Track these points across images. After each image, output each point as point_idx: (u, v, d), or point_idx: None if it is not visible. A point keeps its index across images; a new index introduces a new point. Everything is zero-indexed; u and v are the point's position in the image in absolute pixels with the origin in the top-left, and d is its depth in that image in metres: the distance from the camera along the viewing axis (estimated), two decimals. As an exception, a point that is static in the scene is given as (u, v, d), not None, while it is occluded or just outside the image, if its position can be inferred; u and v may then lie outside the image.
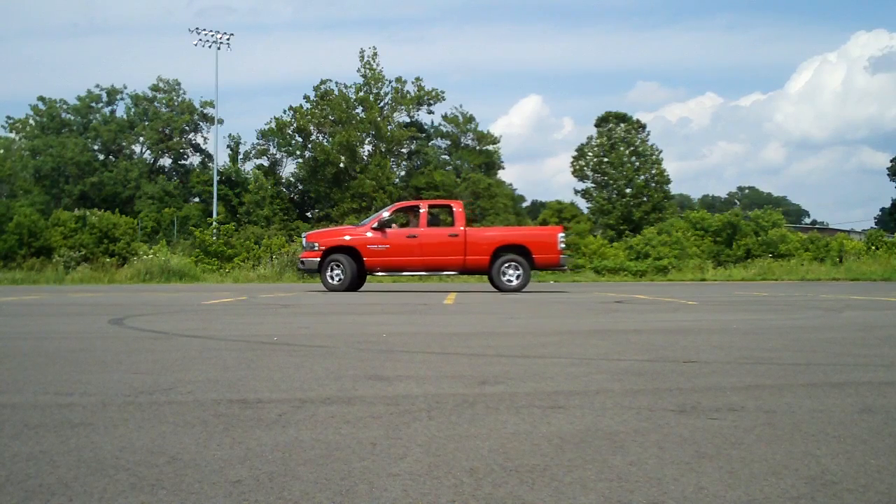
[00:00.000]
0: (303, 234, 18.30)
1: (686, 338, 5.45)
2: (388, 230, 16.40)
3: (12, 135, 52.60)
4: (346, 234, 16.85)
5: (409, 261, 16.29)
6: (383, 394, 3.12)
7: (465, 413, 2.73)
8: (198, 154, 55.35)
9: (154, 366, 4.01)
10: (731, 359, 4.25)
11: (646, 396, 3.05)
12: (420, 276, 29.74)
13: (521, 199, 68.41)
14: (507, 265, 15.89)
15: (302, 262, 16.90)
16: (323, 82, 49.05)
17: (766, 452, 2.18)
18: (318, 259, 16.38)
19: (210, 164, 51.02)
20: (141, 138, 53.54)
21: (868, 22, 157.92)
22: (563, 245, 16.00)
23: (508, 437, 2.37)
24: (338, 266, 16.28)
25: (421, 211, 16.57)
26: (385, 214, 16.85)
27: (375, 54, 49.28)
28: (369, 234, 16.39)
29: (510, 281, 15.85)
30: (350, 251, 16.32)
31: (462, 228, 16.15)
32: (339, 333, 6.04)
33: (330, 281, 16.29)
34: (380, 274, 16.68)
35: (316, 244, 16.57)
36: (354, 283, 16.40)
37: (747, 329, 6.33)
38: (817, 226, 62.70)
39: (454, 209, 16.57)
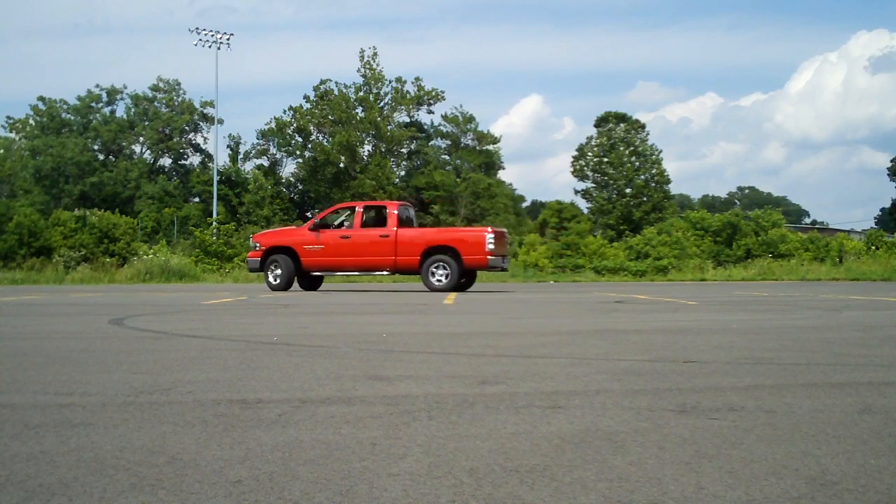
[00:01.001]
0: (251, 235, 19.02)
1: (686, 338, 5.45)
2: (323, 231, 16.84)
3: (12, 135, 52.59)
4: (286, 235, 17.43)
5: (343, 261, 16.67)
6: (383, 394, 3.12)
7: (465, 413, 2.73)
8: (198, 154, 55.33)
9: (154, 366, 4.02)
10: (731, 359, 4.25)
11: (646, 396, 3.05)
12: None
13: (521, 199, 68.33)
14: (435, 265, 16.10)
15: (247, 262, 17.65)
16: (323, 82, 49.05)
17: (766, 452, 2.18)
18: (259, 259, 16.90)
19: (210, 164, 50.97)
20: (141, 138, 53.52)
21: (869, 22, 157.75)
22: (491, 246, 16.01)
23: (508, 437, 2.37)
24: (277, 266, 16.72)
25: (357, 212, 17.04)
26: (323, 215, 17.57)
27: (375, 54, 49.26)
28: (306, 235, 16.85)
29: (439, 281, 16.03)
30: (288, 251, 16.74)
31: (394, 229, 16.44)
32: (339, 333, 6.04)
33: (270, 280, 16.78)
34: (317, 274, 17.23)
35: (258, 244, 17.14)
36: (293, 282, 16.89)
37: (747, 329, 6.33)
38: (817, 226, 62.64)
39: (388, 210, 16.90)
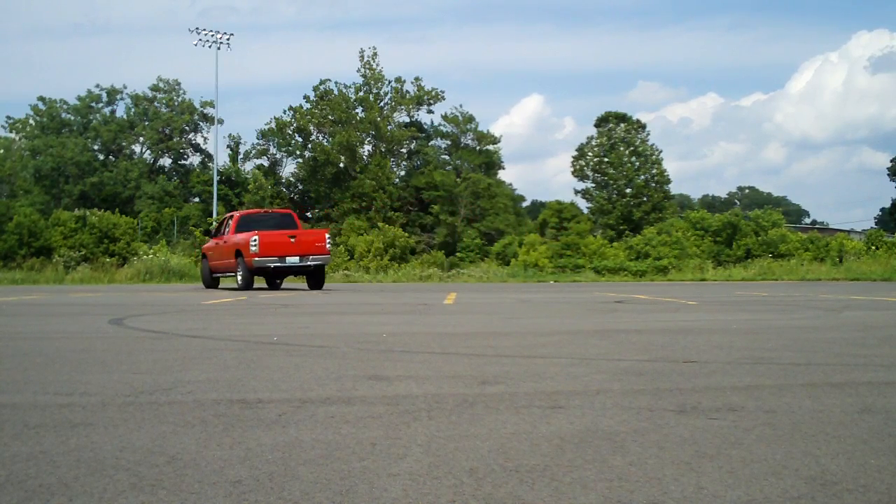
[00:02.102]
0: None
1: (686, 338, 5.45)
2: (213, 238, 19.61)
3: (12, 135, 52.53)
4: (208, 243, 20.18)
5: (217, 264, 18.91)
6: (383, 394, 3.12)
7: (465, 413, 2.73)
8: (198, 154, 55.26)
9: (154, 366, 4.02)
10: (731, 359, 4.25)
11: (646, 396, 3.05)
12: (421, 275, 29.80)
13: (522, 199, 68.11)
14: (238, 267, 17.70)
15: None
16: (322, 82, 48.99)
17: (766, 452, 2.18)
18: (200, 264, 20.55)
19: (210, 164, 50.95)
20: (141, 138, 53.48)
21: (869, 22, 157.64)
22: (254, 248, 16.82)
23: (508, 437, 2.37)
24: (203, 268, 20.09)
25: (224, 220, 19.50)
26: (218, 225, 20.25)
27: (375, 54, 49.19)
28: (209, 242, 19.92)
29: (240, 280, 17.53)
30: (204, 256, 19.92)
31: (229, 236, 18.28)
32: (339, 333, 6.04)
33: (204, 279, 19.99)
34: (217, 276, 19.42)
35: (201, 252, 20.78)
36: (211, 282, 19.55)
37: (747, 329, 6.33)
38: (817, 226, 62.60)
39: (232, 216, 18.99)
